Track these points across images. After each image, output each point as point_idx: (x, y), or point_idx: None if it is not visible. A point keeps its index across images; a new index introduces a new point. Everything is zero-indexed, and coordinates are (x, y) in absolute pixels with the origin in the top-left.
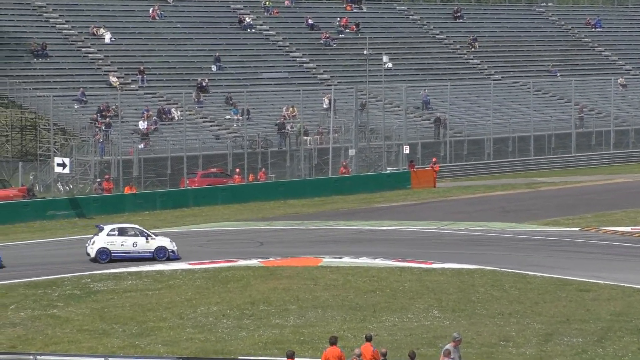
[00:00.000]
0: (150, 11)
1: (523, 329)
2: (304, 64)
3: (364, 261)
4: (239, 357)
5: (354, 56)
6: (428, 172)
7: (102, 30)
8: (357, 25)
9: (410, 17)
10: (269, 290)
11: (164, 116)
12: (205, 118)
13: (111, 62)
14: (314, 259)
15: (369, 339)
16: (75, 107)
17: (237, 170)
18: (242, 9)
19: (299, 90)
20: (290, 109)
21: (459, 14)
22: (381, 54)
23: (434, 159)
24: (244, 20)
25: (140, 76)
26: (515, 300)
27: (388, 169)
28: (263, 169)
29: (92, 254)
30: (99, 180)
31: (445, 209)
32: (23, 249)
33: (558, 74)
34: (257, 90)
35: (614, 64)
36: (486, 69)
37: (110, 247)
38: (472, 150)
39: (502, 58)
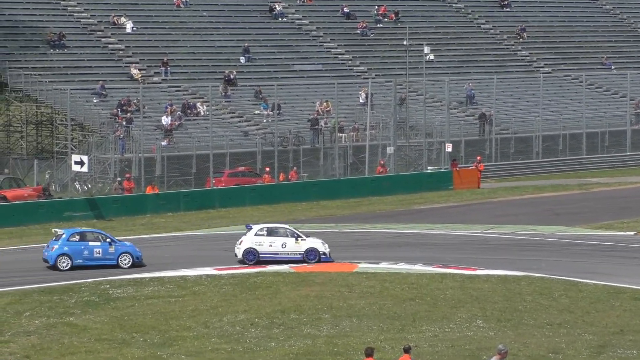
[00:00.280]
0: None
1: (573, 341)
2: (339, 56)
3: (403, 267)
4: None
5: (392, 47)
6: (472, 172)
7: (123, 19)
8: (397, 13)
9: (454, 5)
10: (300, 297)
11: (188, 111)
12: (232, 113)
13: (132, 53)
14: (348, 264)
15: (407, 350)
16: (94, 101)
17: (267, 169)
18: None
19: (334, 84)
20: (324, 103)
21: (506, 2)
22: (422, 44)
23: (478, 158)
24: (275, 8)
25: (163, 68)
26: (565, 310)
27: (429, 168)
28: (294, 167)
29: (239, 254)
30: (119, 179)
31: (490, 211)
32: (37, 252)
33: (612, 67)
34: (289, 83)
35: None
36: (535, 61)
37: (258, 248)
38: (520, 148)
39: (552, 49)
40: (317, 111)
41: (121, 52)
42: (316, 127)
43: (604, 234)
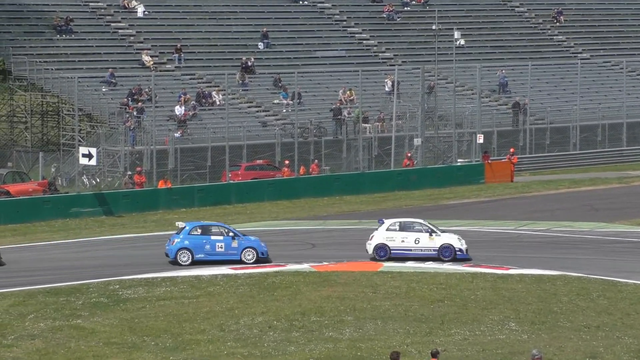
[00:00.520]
0: None
1: (612, 344)
2: (364, 41)
3: (431, 266)
4: None
5: (420, 32)
6: (505, 165)
7: (134, 3)
8: None
9: None
10: (321, 298)
11: (203, 100)
12: (250, 103)
13: (144, 38)
14: (373, 263)
15: (435, 354)
16: (103, 90)
17: (287, 162)
18: None
19: (358, 71)
20: (348, 92)
21: None
22: (452, 29)
23: (511, 150)
24: None
25: (177, 55)
26: (603, 311)
27: (459, 161)
28: (316, 160)
29: (370, 250)
30: (129, 173)
31: (524, 206)
32: (43, 250)
33: None
34: (310, 71)
35: None
36: (572, 47)
37: (390, 244)
38: (556, 139)
39: (591, 34)
40: (340, 100)
41: (132, 37)
42: (339, 117)
43: None
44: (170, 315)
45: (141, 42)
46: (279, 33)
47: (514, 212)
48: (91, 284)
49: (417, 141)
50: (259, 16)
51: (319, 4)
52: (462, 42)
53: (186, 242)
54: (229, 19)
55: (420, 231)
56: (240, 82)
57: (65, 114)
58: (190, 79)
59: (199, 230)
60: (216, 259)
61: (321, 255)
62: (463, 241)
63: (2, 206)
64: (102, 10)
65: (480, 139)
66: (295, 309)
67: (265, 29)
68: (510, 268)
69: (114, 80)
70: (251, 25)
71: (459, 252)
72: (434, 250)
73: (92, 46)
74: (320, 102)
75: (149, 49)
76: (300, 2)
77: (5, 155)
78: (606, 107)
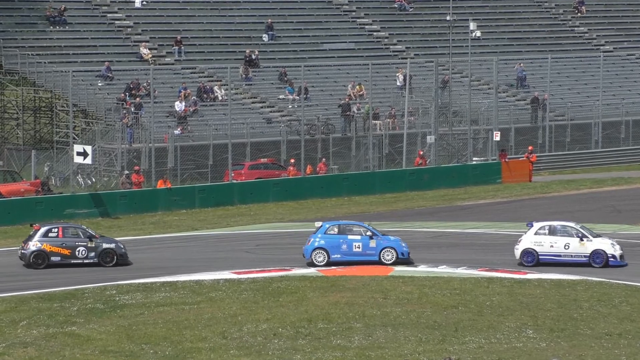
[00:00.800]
0: None
1: (635, 353)
2: (374, 33)
3: (444, 270)
4: None
5: (434, 23)
6: (523, 164)
7: None
8: None
9: None
10: (329, 304)
11: (204, 96)
12: (254, 98)
13: (142, 30)
14: (383, 267)
15: None
16: (99, 84)
17: (292, 160)
18: None
19: (368, 65)
20: (357, 87)
21: None
22: (467, 20)
23: (530, 148)
24: None
25: (176, 47)
26: (626, 318)
27: (474, 159)
28: (323, 159)
29: (517, 255)
30: (126, 172)
31: (543, 207)
32: None
33: None
34: (317, 64)
35: None
36: (595, 39)
37: (538, 249)
38: (577, 136)
39: (614, 25)
40: (349, 95)
41: (129, 29)
42: (348, 113)
43: None
44: (170, 322)
45: (139, 34)
46: (284, 24)
47: (533, 213)
48: (86, 289)
49: (430, 139)
50: (263, 6)
51: None
52: (478, 33)
53: (322, 242)
54: (232, 9)
55: (571, 235)
56: (244, 76)
57: (59, 110)
58: (191, 73)
59: (336, 230)
60: (353, 259)
61: None
62: (617, 246)
63: None
64: (98, 0)
65: (497, 137)
66: (302, 315)
67: (270, 20)
68: (528, 272)
69: (110, 75)
70: (255, 15)
71: (612, 259)
72: (585, 256)
73: (88, 38)
74: (328, 97)
75: (148, 41)
76: None
77: None
78: (630, 102)
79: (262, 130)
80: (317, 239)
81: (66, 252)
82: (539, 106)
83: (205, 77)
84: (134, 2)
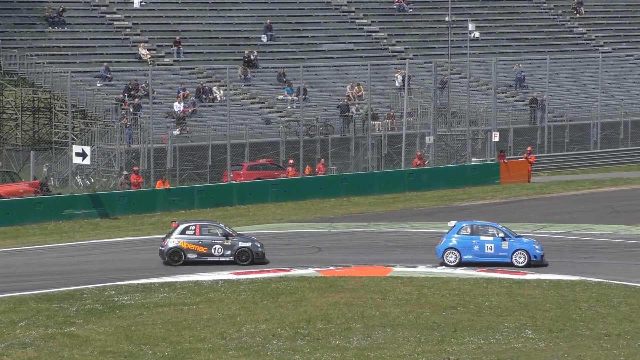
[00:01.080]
0: None
1: (634, 353)
2: (373, 33)
3: (443, 271)
4: None
5: (433, 24)
6: (521, 164)
7: None
8: None
9: None
10: (328, 305)
11: (203, 96)
12: (253, 99)
13: (141, 31)
14: (382, 268)
15: None
16: (98, 85)
17: (291, 161)
18: None
19: (367, 65)
20: (356, 87)
21: None
22: (466, 20)
23: (529, 149)
24: None
25: (175, 48)
26: (625, 319)
27: (473, 160)
28: (322, 159)
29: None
30: (125, 173)
31: (541, 208)
32: (34, 254)
33: None
34: (316, 65)
35: None
36: (593, 39)
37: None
38: (576, 137)
39: (612, 26)
40: (348, 96)
41: (128, 29)
42: (346, 114)
43: None
44: (169, 323)
45: (138, 35)
46: (283, 25)
47: (531, 214)
48: (85, 290)
49: (429, 139)
50: (262, 7)
51: None
52: (477, 34)
53: (454, 242)
54: (231, 9)
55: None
56: (243, 76)
57: (58, 111)
58: (190, 73)
59: (469, 230)
60: (485, 260)
61: (328, 259)
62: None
63: None
64: (97, 1)
65: (496, 137)
66: (301, 316)
67: (269, 21)
68: (526, 273)
69: (109, 75)
70: (254, 16)
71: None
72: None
73: (86, 39)
74: (327, 98)
75: (146, 42)
76: None
77: None
78: (629, 103)
79: (260, 130)
80: (450, 239)
81: (202, 249)
82: (537, 107)
83: (204, 77)
84: (132, 2)
